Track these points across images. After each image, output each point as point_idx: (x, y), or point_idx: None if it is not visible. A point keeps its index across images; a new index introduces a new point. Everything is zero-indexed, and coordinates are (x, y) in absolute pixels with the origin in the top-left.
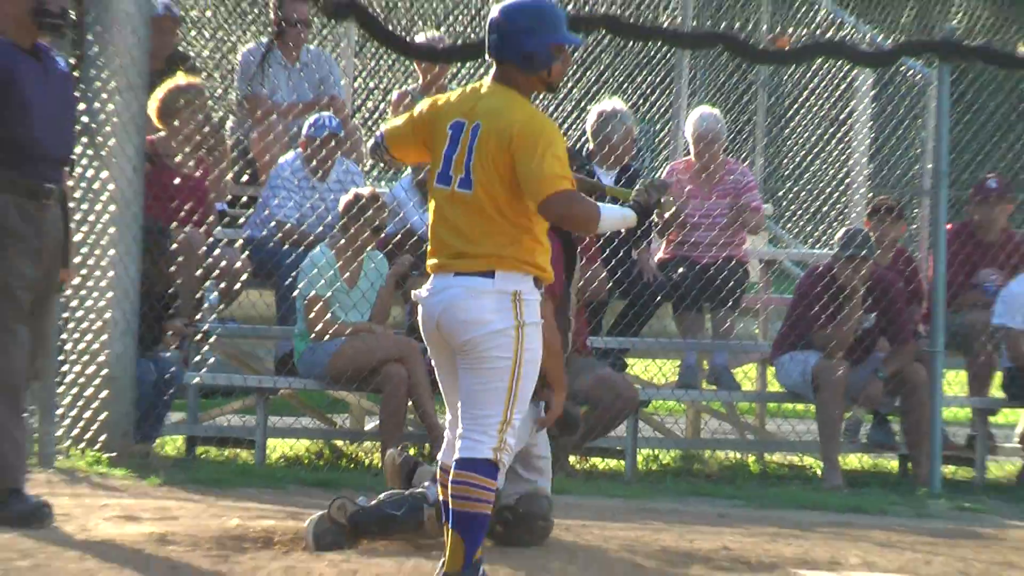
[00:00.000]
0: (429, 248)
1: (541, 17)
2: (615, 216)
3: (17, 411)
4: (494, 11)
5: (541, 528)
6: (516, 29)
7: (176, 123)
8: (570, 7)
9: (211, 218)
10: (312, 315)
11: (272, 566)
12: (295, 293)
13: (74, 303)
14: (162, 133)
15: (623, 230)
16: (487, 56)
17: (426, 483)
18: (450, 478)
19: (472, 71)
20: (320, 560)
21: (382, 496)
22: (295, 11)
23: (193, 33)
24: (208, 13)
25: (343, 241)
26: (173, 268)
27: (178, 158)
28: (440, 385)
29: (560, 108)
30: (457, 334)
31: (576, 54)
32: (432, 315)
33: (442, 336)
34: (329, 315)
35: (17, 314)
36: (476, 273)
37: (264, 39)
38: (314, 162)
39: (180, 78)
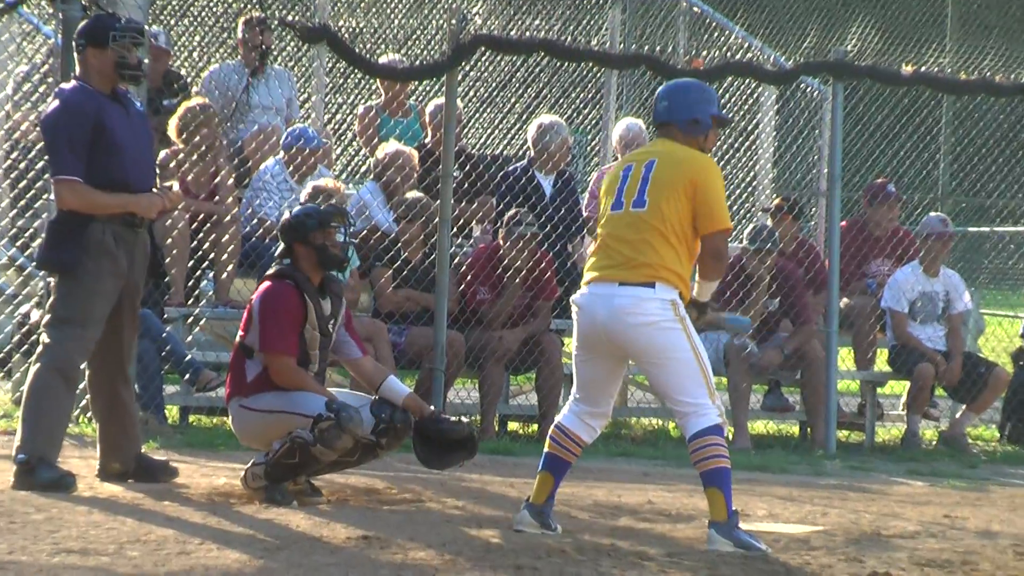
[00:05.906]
0: (593, 261)
1: (706, 92)
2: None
3: (72, 394)
4: (665, 86)
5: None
6: (687, 99)
7: (196, 138)
8: (513, 32)
9: (214, 216)
10: None
11: (256, 519)
12: None
13: None
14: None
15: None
16: (654, 121)
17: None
18: (690, 448)
19: (428, 88)
20: (296, 513)
21: (267, 455)
22: (263, 33)
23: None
24: (196, 40)
25: None
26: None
27: (188, 166)
28: (579, 368)
29: (504, 120)
30: (631, 337)
31: (518, 73)
32: (596, 316)
33: (606, 335)
34: None
35: (91, 318)
36: (640, 283)
37: (232, 61)
38: (290, 167)
39: (195, 100)
